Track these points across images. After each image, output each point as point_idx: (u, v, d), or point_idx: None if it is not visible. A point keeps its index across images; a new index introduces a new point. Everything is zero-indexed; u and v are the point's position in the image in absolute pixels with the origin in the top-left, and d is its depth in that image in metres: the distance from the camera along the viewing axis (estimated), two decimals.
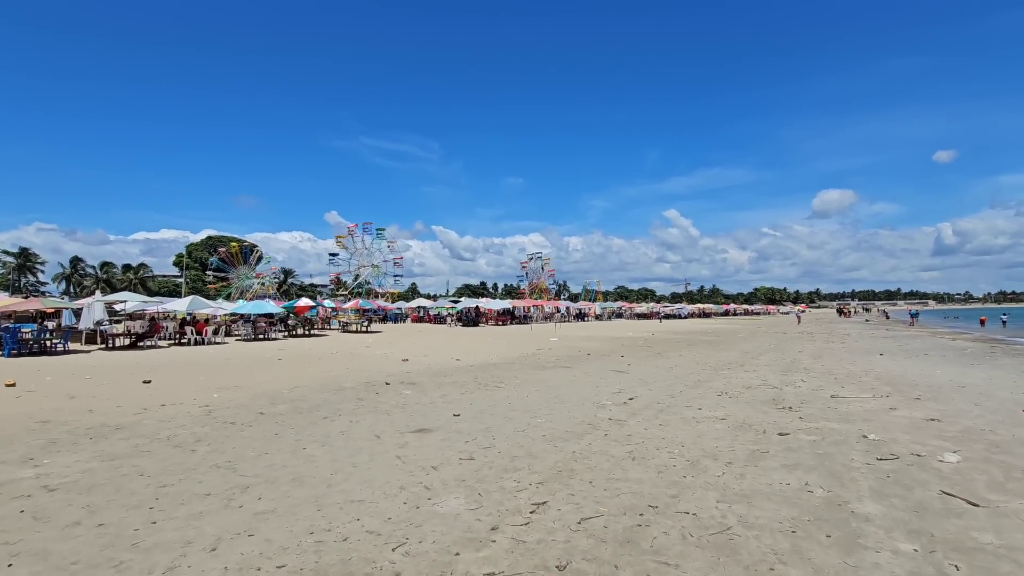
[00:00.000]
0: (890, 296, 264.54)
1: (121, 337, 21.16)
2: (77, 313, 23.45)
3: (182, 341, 22.33)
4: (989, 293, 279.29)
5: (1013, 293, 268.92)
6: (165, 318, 26.10)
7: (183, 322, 23.56)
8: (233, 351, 19.27)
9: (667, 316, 70.68)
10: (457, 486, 4.98)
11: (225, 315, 28.79)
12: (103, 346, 20.83)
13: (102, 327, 21.86)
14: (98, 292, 23.05)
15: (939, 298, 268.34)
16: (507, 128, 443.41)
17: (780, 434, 6.84)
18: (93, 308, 22.30)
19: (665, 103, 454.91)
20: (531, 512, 4.33)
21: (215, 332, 23.01)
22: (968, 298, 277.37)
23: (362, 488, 4.92)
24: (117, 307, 25.35)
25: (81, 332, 21.92)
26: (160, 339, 22.54)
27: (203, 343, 22.02)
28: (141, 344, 20.81)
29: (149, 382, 11.39)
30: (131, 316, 26.95)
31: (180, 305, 23.46)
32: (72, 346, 20.76)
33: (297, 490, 4.88)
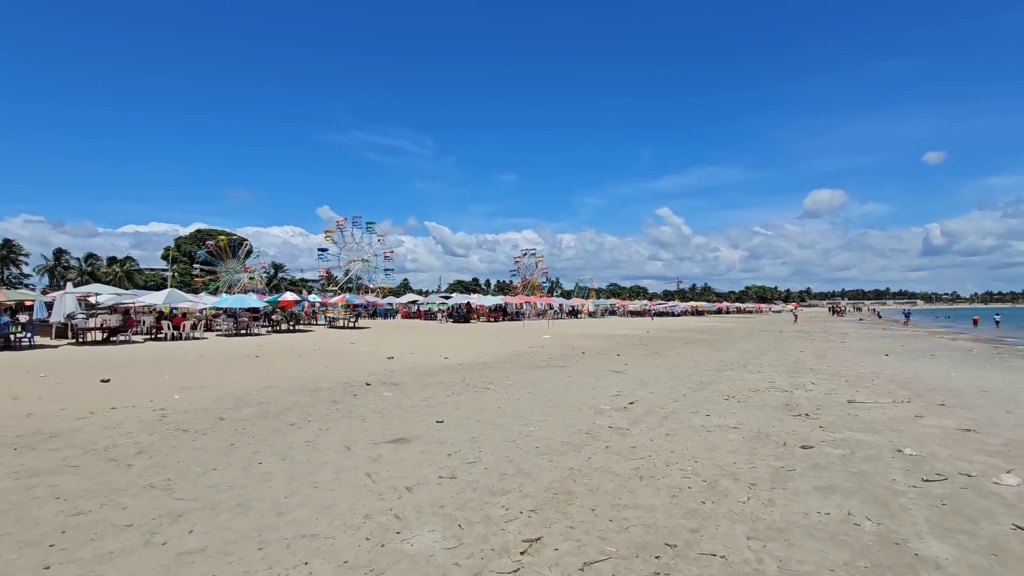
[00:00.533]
0: (879, 295, 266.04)
1: (93, 331, 20.11)
2: (50, 306, 22.37)
3: (158, 336, 21.29)
4: (976, 293, 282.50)
5: (999, 293, 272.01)
6: (149, 312, 25.07)
7: (159, 316, 22.49)
8: (210, 347, 18.29)
9: (659, 314, 70.04)
10: (434, 514, 4.16)
11: (209, 309, 27.74)
12: (73, 341, 19.77)
13: (74, 320, 20.81)
14: (69, 284, 21.92)
15: (927, 298, 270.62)
16: (500, 124, 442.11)
17: (803, 447, 6.07)
18: (64, 300, 21.21)
19: (659, 100, 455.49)
20: (522, 553, 3.52)
21: (193, 327, 21.97)
22: (956, 298, 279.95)
23: (319, 517, 4.08)
24: (92, 300, 24.23)
25: (51, 326, 20.82)
26: (135, 334, 21.50)
27: (180, 338, 21.00)
28: (114, 339, 19.76)
29: (108, 381, 10.46)
30: (113, 309, 25.95)
31: (156, 298, 22.38)
32: (42, 340, 19.70)
33: (239, 520, 4.04)
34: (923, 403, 8.74)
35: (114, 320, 21.05)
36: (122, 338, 19.95)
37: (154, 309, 25.89)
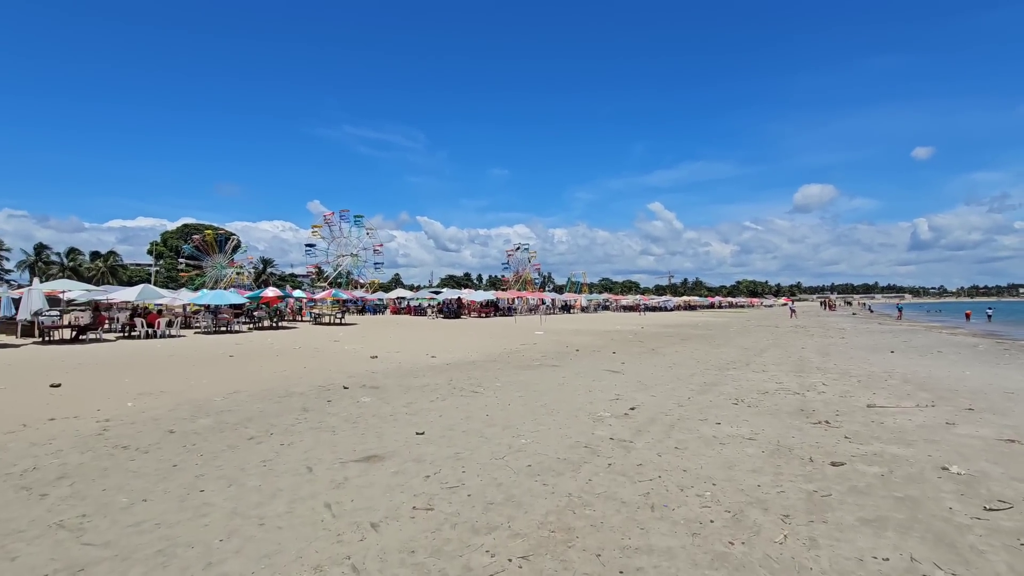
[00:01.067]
0: (868, 290, 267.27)
1: (61, 330, 19.05)
2: (18, 302, 21.24)
3: (132, 334, 20.26)
4: (962, 287, 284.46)
5: (985, 287, 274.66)
6: (122, 309, 23.96)
7: (133, 313, 21.43)
8: (184, 346, 17.32)
9: (650, 308, 69.25)
10: (401, 564, 3.35)
11: (192, 305, 26.64)
12: (40, 340, 18.71)
13: (40, 318, 19.71)
14: (36, 280, 20.82)
15: (915, 292, 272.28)
16: (492, 118, 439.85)
17: (833, 464, 5.32)
18: (31, 297, 20.07)
19: (650, 94, 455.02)
20: None
21: (168, 324, 20.94)
22: (943, 292, 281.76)
23: (256, 570, 3.26)
24: (61, 295, 23.11)
25: (17, 324, 19.71)
26: (107, 331, 20.44)
27: (155, 336, 19.98)
28: (83, 337, 18.71)
29: (58, 385, 9.53)
30: (96, 306, 24.68)
31: (129, 295, 21.30)
32: (6, 339, 18.65)
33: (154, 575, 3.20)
34: (949, 407, 8.04)
35: (84, 317, 20.00)
36: (92, 336, 18.90)
37: (134, 306, 24.80)
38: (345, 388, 9.59)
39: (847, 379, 10.96)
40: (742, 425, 6.93)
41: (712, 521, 4.00)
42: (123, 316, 21.54)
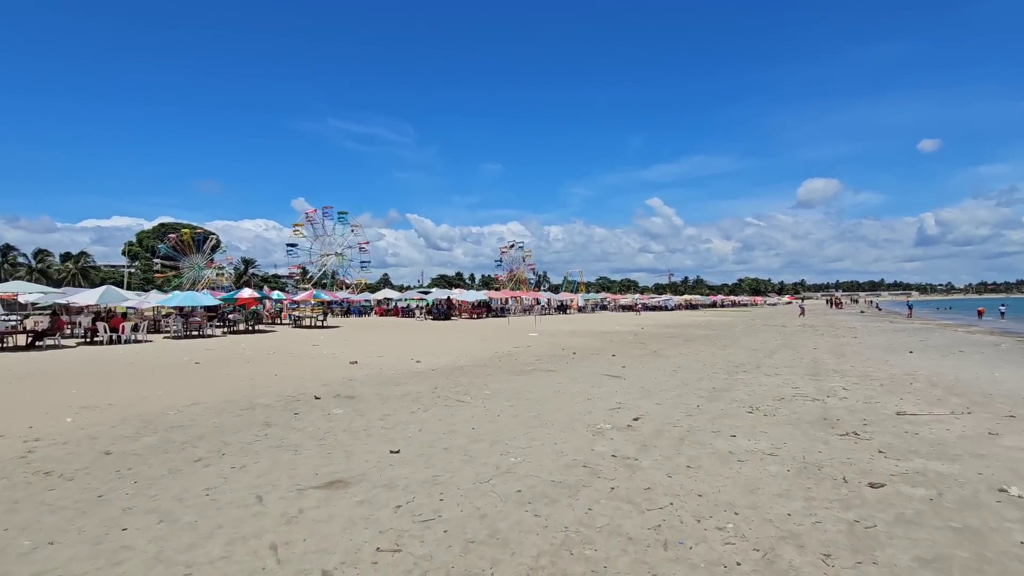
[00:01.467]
0: (874, 287, 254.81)
1: (15, 335, 17.84)
2: None
3: (94, 340, 19.08)
4: (970, 284, 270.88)
5: (994, 284, 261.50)
6: (83, 312, 22.76)
7: (95, 317, 20.24)
8: (148, 352, 16.26)
9: (650, 308, 68.01)
10: None
11: (164, 308, 25.46)
12: None
13: None
14: None
15: (922, 288, 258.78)
16: (484, 111, 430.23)
17: (872, 486, 4.61)
18: None
19: (648, 85, 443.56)
20: None
21: (134, 328, 19.78)
22: (950, 289, 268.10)
23: None
24: (21, 299, 21.86)
25: None
26: (66, 337, 19.22)
27: (119, 341, 18.83)
28: (39, 344, 17.50)
29: None
30: (65, 309, 23.39)
31: (90, 297, 20.09)
32: None
33: None
34: (987, 414, 7.39)
35: (43, 322, 18.83)
36: (50, 342, 17.70)
37: (98, 309, 23.60)
38: (316, 398, 8.72)
39: (868, 382, 10.30)
40: (760, 438, 6.22)
41: (739, 563, 3.26)
42: (86, 320, 20.35)
